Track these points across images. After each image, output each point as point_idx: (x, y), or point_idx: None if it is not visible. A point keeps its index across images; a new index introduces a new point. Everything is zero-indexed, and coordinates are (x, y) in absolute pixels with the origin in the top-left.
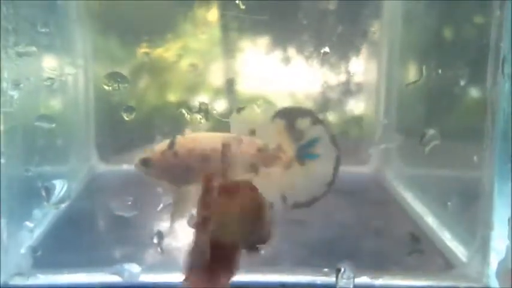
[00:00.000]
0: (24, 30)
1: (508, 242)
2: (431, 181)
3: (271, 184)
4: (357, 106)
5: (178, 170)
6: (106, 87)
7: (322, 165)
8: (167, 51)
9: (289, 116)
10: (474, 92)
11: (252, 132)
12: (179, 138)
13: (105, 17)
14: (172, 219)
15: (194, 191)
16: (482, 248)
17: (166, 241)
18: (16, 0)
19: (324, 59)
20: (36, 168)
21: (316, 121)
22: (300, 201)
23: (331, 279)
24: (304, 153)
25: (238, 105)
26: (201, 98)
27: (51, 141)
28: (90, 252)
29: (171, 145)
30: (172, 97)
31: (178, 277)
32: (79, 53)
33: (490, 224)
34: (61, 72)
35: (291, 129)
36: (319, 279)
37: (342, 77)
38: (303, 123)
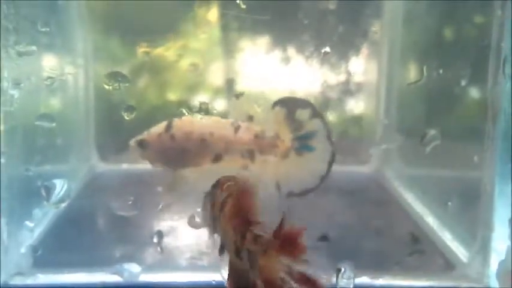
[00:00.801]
0: (24, 30)
1: (508, 242)
2: (432, 181)
3: (266, 172)
4: (357, 106)
5: (174, 153)
6: (106, 87)
7: (317, 158)
8: (167, 51)
9: (290, 105)
10: (475, 92)
11: (250, 119)
12: (176, 121)
13: (106, 16)
14: (166, 202)
15: (188, 174)
16: (483, 249)
17: (166, 240)
18: None
19: (324, 59)
20: (37, 168)
21: (316, 114)
22: (293, 191)
23: (332, 279)
24: (302, 144)
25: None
26: (201, 98)
27: (51, 140)
28: (90, 252)
29: (168, 128)
30: (172, 96)
31: (178, 277)
32: (79, 53)
33: (491, 225)
34: (61, 72)
35: (291, 119)
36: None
37: (342, 77)
38: (303, 114)
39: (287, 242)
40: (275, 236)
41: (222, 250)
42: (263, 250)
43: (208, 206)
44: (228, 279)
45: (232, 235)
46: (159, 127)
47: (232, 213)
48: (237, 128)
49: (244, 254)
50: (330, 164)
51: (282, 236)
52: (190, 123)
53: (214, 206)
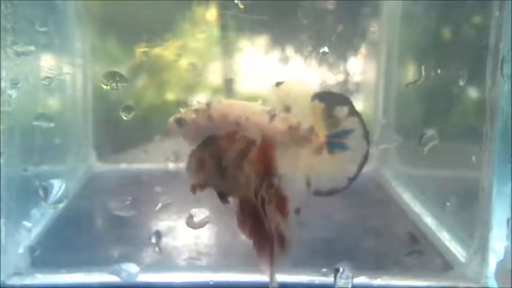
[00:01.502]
0: (22, 29)
1: (506, 242)
2: (430, 181)
3: (298, 166)
4: (355, 105)
5: (208, 134)
6: (104, 87)
7: (349, 158)
8: (166, 51)
9: (329, 100)
10: (473, 93)
11: (287, 109)
12: (215, 103)
13: (104, 16)
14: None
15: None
16: (481, 249)
17: (165, 240)
18: None
19: (323, 59)
20: (35, 168)
21: (353, 112)
22: (321, 189)
23: (330, 279)
24: (335, 142)
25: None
26: (199, 98)
27: (49, 140)
28: (88, 252)
29: (208, 106)
30: (170, 96)
31: (176, 277)
32: (77, 52)
33: (489, 225)
34: (59, 72)
35: (328, 114)
36: (318, 279)
37: (341, 77)
38: (341, 111)
39: (280, 204)
40: (276, 195)
41: (224, 198)
42: (269, 200)
43: (208, 159)
44: (240, 220)
45: (255, 179)
46: (199, 106)
47: (257, 159)
48: (272, 117)
49: (259, 198)
50: (361, 166)
51: (278, 198)
52: (229, 105)
53: (219, 157)
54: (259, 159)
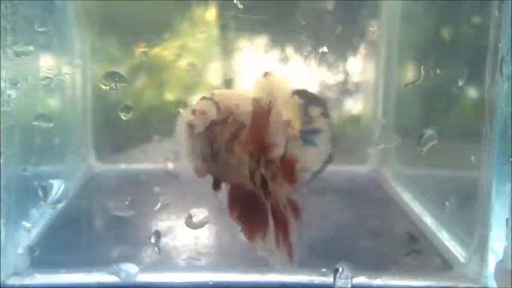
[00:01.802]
0: (22, 29)
1: (506, 242)
2: (430, 181)
3: None
4: (355, 106)
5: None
6: (104, 87)
7: (316, 154)
8: (165, 51)
9: (306, 98)
10: (472, 93)
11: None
12: (215, 96)
13: (103, 16)
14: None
15: None
16: (480, 249)
17: (164, 241)
18: None
19: (322, 59)
20: (34, 168)
21: (325, 115)
22: None
23: (329, 279)
24: (305, 138)
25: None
26: (198, 98)
27: (48, 140)
28: (87, 252)
29: (215, 101)
30: (170, 96)
31: (175, 277)
32: (77, 52)
33: (488, 225)
34: (59, 72)
35: (304, 111)
36: (317, 279)
37: (340, 77)
38: (314, 111)
39: (288, 170)
40: (281, 162)
41: (217, 185)
42: (272, 175)
43: (205, 145)
44: (230, 206)
45: (248, 160)
46: (207, 103)
47: (248, 140)
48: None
49: (257, 178)
50: (325, 163)
51: (285, 163)
52: (228, 96)
53: (215, 142)
54: (252, 139)
